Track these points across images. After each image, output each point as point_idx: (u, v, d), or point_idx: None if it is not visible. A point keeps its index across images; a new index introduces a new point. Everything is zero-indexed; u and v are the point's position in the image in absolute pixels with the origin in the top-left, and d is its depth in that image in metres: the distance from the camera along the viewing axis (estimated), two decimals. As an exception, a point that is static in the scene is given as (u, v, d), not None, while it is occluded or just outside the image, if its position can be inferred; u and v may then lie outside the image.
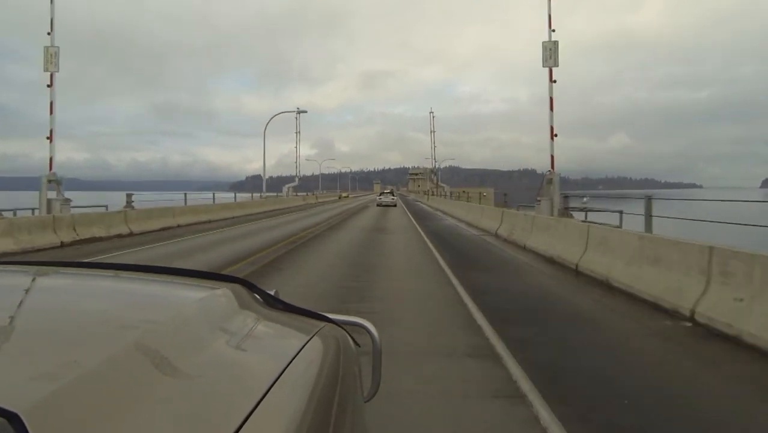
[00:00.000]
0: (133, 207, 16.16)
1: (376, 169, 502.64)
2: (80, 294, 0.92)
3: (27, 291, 0.90)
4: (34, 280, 0.99)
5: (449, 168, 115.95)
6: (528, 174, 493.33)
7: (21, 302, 0.81)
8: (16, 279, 0.98)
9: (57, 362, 0.54)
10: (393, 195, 40.64)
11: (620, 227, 8.99)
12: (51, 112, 13.95)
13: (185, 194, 19.85)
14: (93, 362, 0.53)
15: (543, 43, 12.97)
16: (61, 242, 11.32)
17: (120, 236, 13.33)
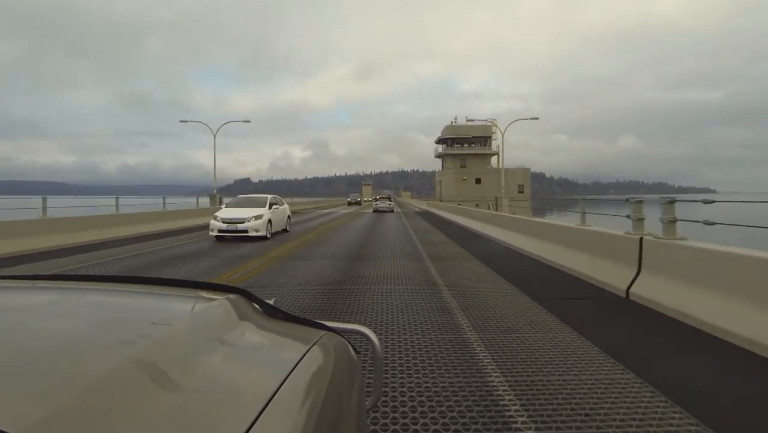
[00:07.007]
0: None
1: (372, 173, 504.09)
2: (76, 309, 0.93)
3: (20, 307, 0.91)
4: (27, 295, 1.01)
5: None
6: (537, 178, 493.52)
7: (15, 319, 0.82)
8: (9, 295, 0.99)
9: (53, 380, 0.55)
10: (390, 201, 41.88)
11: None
12: None
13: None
14: (89, 380, 0.55)
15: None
16: None
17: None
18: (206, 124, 32.99)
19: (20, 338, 0.70)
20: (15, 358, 0.62)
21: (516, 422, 2.91)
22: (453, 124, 69.12)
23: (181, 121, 34.41)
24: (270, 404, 0.62)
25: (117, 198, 16.80)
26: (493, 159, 65.08)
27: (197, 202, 26.26)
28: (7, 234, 11.09)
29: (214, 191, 31.72)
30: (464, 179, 63.63)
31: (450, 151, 68.37)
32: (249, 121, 33.97)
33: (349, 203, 66.98)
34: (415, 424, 2.92)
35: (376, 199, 48.17)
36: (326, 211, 41.34)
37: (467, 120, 35.21)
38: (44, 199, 13.20)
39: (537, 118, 33.07)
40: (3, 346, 0.67)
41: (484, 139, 66.61)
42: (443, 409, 3.08)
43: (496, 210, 33.25)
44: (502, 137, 32.42)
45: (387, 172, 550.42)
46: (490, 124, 60.81)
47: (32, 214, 13.01)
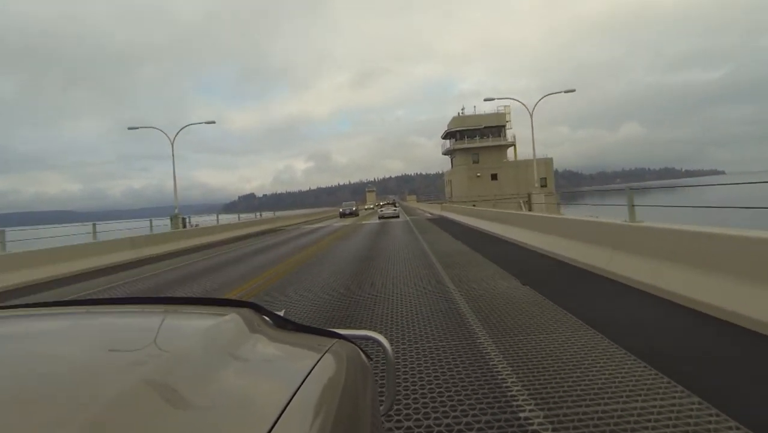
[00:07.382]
0: None
1: (376, 179, 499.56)
2: (85, 333, 0.92)
3: (30, 335, 0.91)
4: (36, 322, 1.01)
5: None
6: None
7: (26, 346, 0.82)
8: (19, 324, 1.00)
9: (65, 408, 0.55)
10: (395, 206, 40.81)
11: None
12: None
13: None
14: (103, 404, 0.55)
15: None
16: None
17: None
18: (161, 130, 27.58)
19: (33, 365, 0.71)
20: (28, 385, 0.63)
21: None
22: (460, 114, 59.04)
23: (130, 129, 28.38)
24: (284, 414, 0.62)
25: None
26: (509, 151, 58.10)
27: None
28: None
29: (176, 211, 25.97)
30: (478, 176, 54.91)
31: (460, 145, 57.79)
32: (214, 122, 29.87)
33: (342, 215, 48.07)
34: None
35: (380, 206, 45.96)
36: (312, 227, 30.34)
37: (484, 100, 28.95)
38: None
39: (573, 90, 27.61)
40: (17, 374, 0.67)
41: (498, 130, 57.16)
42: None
43: (530, 210, 25.65)
44: (531, 119, 26.51)
45: (390, 177, 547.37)
46: (503, 112, 55.44)
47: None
